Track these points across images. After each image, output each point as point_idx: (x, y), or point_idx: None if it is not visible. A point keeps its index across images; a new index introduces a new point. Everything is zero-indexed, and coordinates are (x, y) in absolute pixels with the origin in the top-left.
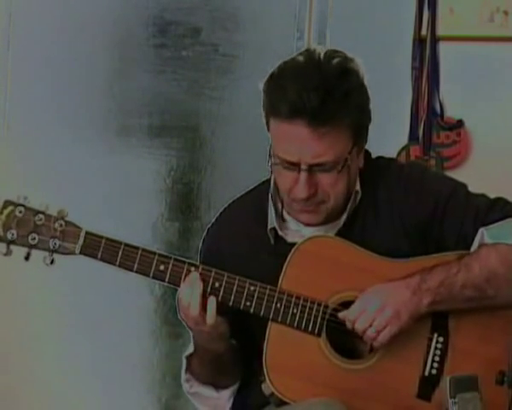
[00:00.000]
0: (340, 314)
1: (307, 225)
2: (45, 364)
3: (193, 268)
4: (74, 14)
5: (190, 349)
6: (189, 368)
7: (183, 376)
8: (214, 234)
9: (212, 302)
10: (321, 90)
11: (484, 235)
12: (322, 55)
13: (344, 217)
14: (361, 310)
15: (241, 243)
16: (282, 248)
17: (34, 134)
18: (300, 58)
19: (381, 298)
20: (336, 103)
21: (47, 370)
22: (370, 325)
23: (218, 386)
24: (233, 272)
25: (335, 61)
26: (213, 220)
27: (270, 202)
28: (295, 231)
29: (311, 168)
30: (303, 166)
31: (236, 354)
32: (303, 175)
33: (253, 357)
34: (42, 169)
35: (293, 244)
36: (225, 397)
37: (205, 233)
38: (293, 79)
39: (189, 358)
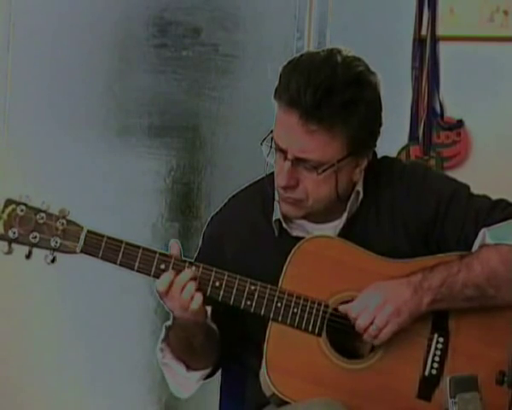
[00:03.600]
0: (341, 307)
1: (286, 216)
2: (45, 364)
3: (194, 267)
4: (74, 14)
5: (171, 320)
6: (166, 338)
7: (159, 344)
8: (217, 222)
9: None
10: (321, 90)
11: (485, 236)
12: (342, 58)
13: (345, 216)
14: (362, 307)
15: (244, 233)
16: (286, 240)
17: (34, 134)
18: (321, 53)
19: (382, 295)
20: (334, 107)
21: (47, 370)
22: (371, 323)
23: (189, 366)
24: (233, 262)
25: (354, 68)
26: (219, 208)
27: (277, 194)
28: (299, 225)
29: (296, 161)
30: (289, 156)
31: (212, 341)
32: (287, 164)
33: (252, 355)
34: (42, 169)
35: (296, 238)
36: (194, 379)
37: (208, 220)
38: (301, 70)
39: (168, 328)
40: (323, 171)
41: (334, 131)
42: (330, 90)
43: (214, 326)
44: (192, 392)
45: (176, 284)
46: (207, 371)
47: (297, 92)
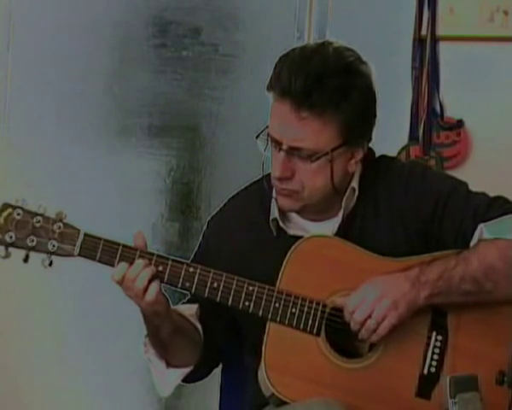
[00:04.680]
0: (339, 300)
1: (282, 209)
2: (45, 364)
3: (191, 269)
4: (74, 14)
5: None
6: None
7: (143, 339)
8: (216, 222)
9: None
10: (311, 77)
11: (483, 231)
12: (333, 49)
13: (341, 213)
14: (360, 300)
15: (242, 233)
16: (283, 240)
17: (34, 134)
18: (313, 45)
19: (380, 288)
20: (324, 93)
21: (47, 370)
22: (370, 317)
23: (168, 363)
24: (231, 262)
25: (345, 57)
26: (218, 209)
27: (274, 193)
28: (296, 224)
29: (291, 151)
30: (283, 146)
31: (186, 336)
32: (281, 155)
33: (251, 355)
34: (42, 169)
35: (294, 237)
36: (173, 376)
37: (208, 220)
38: (292, 61)
39: None
40: (317, 159)
41: (326, 118)
42: (320, 78)
43: (198, 325)
44: (171, 391)
45: (129, 273)
46: (187, 369)
47: (288, 81)
